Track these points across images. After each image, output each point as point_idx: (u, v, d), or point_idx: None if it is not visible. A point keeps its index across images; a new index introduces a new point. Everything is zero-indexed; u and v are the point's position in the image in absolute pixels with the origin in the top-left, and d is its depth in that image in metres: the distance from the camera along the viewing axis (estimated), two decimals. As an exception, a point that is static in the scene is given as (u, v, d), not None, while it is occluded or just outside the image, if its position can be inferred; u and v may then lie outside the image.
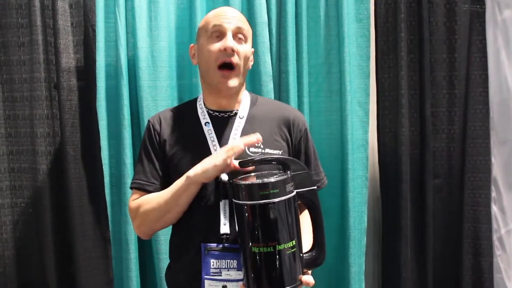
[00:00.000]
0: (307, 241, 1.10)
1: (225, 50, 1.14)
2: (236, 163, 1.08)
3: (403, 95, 1.80)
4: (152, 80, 1.67)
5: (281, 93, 1.76)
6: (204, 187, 1.12)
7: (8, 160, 1.66)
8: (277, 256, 0.98)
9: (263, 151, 1.16)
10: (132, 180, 1.23)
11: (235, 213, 1.04)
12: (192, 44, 1.26)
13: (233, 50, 1.14)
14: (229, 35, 1.15)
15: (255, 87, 1.69)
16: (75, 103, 1.66)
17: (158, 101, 1.67)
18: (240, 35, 1.17)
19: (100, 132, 1.64)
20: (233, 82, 1.17)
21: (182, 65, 1.73)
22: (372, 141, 1.87)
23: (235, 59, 1.15)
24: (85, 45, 1.67)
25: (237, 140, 1.09)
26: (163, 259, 1.67)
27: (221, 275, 1.11)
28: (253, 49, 1.25)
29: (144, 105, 1.65)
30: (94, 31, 1.64)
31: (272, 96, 1.71)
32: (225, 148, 1.08)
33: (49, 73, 1.64)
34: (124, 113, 1.64)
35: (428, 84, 1.83)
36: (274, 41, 1.75)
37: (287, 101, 1.73)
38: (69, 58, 1.64)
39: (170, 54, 1.70)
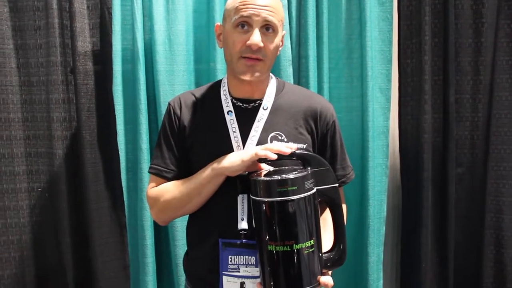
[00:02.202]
0: (328, 240, 1.06)
1: (250, 46, 1.07)
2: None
3: (426, 81, 1.74)
4: (169, 64, 1.64)
5: (300, 79, 1.72)
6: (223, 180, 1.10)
7: (24, 145, 1.66)
8: (295, 256, 0.95)
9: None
10: (151, 164, 1.20)
11: (252, 209, 1.02)
12: (218, 23, 1.19)
13: (259, 48, 1.08)
14: (256, 30, 1.07)
15: (274, 72, 1.61)
16: (91, 88, 1.64)
17: (175, 86, 1.64)
18: (268, 27, 1.09)
19: (116, 117, 1.63)
20: (257, 74, 1.10)
21: (200, 49, 1.70)
22: (392, 128, 1.83)
23: (260, 55, 1.09)
24: (101, 29, 1.65)
25: (273, 146, 1.02)
26: (179, 246, 1.66)
27: (239, 272, 1.08)
28: (284, 32, 1.18)
29: (161, 89, 1.63)
30: (110, 14, 1.61)
31: (291, 81, 1.68)
32: (259, 147, 1.04)
33: (65, 57, 1.63)
34: (141, 97, 1.61)
35: (452, 70, 1.77)
36: (294, 24, 1.71)
37: (306, 86, 1.69)
38: (85, 42, 1.62)
39: (188, 38, 1.67)
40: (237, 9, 1.08)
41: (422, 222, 1.78)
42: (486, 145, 1.82)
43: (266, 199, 0.96)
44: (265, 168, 1.06)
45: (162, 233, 1.75)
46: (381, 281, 1.81)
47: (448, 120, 1.78)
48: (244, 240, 1.08)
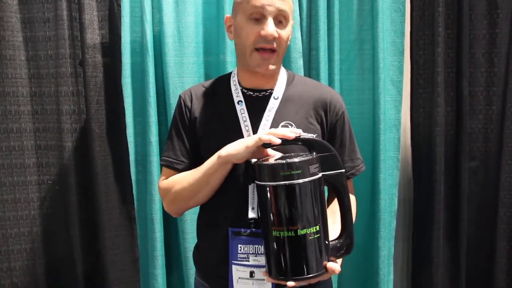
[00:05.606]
0: (336, 231, 1.05)
1: (265, 37, 1.07)
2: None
3: (439, 73, 1.71)
4: (178, 56, 1.63)
5: (311, 70, 1.70)
6: (234, 169, 1.09)
7: (34, 138, 1.66)
8: (299, 241, 0.94)
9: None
10: (162, 156, 1.21)
11: (257, 194, 1.01)
12: (227, 15, 1.18)
13: (274, 38, 1.07)
14: (270, 20, 1.06)
15: (284, 64, 1.59)
16: (100, 80, 1.64)
17: (184, 78, 1.63)
18: (281, 18, 1.09)
19: (125, 109, 1.62)
20: (272, 66, 1.11)
21: (209, 41, 1.68)
22: (404, 121, 1.80)
23: (275, 45, 1.08)
24: (110, 21, 1.64)
25: (277, 131, 1.01)
26: (189, 239, 1.66)
27: (248, 261, 1.08)
28: (293, 22, 1.17)
29: (170, 82, 1.62)
30: (119, 6, 1.61)
31: (302, 73, 1.66)
32: (262, 132, 1.03)
33: (74, 49, 1.62)
34: (150, 90, 1.61)
35: (466, 62, 1.73)
36: (304, 16, 1.68)
37: (317, 78, 1.67)
38: (94, 34, 1.62)
39: (197, 29, 1.65)
40: (249, 1, 1.07)
41: (434, 216, 1.76)
42: (500, 138, 1.78)
43: (270, 183, 0.94)
44: (272, 154, 1.05)
45: (171, 226, 1.74)
46: (392, 275, 1.79)
47: (461, 113, 1.75)
48: (253, 229, 1.08)
